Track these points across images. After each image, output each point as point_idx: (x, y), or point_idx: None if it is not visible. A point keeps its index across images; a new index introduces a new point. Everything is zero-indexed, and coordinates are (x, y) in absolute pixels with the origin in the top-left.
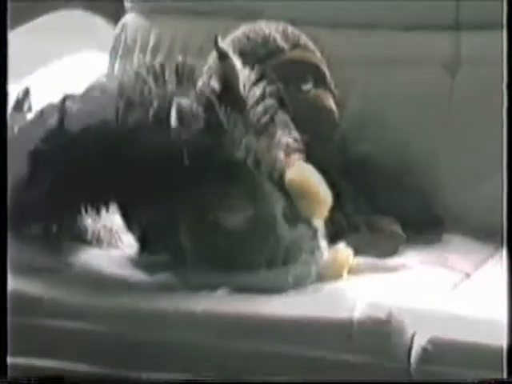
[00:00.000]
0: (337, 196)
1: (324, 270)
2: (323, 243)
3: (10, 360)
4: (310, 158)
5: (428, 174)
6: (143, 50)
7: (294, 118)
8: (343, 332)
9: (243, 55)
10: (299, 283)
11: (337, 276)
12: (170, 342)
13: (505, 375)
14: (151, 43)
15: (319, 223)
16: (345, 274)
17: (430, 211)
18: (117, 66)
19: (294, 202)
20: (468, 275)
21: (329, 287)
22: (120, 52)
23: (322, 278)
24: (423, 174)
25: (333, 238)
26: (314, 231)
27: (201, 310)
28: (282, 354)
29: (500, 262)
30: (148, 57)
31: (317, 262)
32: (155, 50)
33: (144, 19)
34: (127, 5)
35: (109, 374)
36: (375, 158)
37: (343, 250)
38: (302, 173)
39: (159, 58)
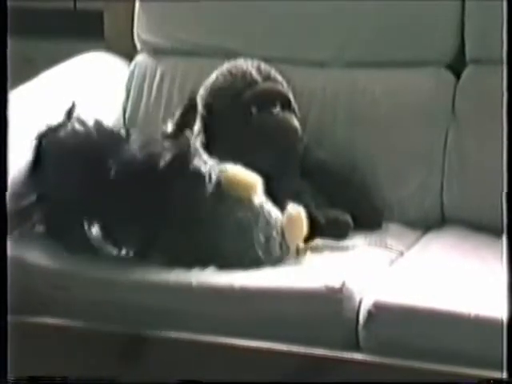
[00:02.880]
0: (300, 194)
1: (286, 228)
2: (274, 211)
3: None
4: (280, 166)
5: (370, 174)
6: (150, 84)
7: (267, 134)
8: (306, 298)
9: (227, 86)
10: (270, 251)
11: (299, 230)
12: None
13: (505, 375)
14: (157, 78)
15: (261, 199)
16: (304, 226)
17: (373, 205)
18: (130, 96)
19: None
20: (402, 253)
21: (297, 263)
22: (133, 85)
23: (285, 235)
24: (366, 174)
25: None
26: (261, 207)
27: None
28: (263, 316)
29: (427, 242)
30: (154, 91)
31: (275, 226)
32: (160, 85)
33: (151, 59)
34: (138, 46)
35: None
36: (329, 162)
37: (293, 208)
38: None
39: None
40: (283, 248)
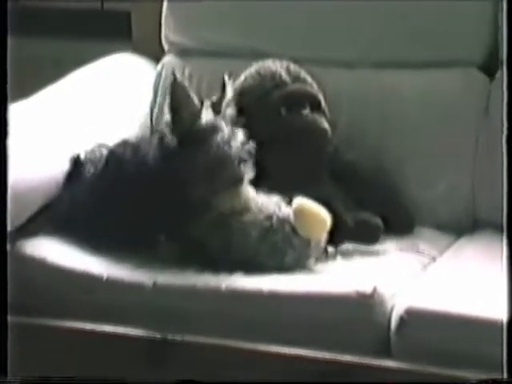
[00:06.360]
0: (329, 197)
1: (296, 222)
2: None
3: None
4: (309, 168)
5: (400, 176)
6: None
7: (296, 135)
8: (337, 303)
9: (255, 87)
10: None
11: (309, 218)
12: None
13: (505, 375)
14: (184, 80)
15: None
16: (316, 215)
17: (404, 209)
18: (157, 97)
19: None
20: (434, 259)
21: (327, 268)
22: (160, 86)
23: (298, 229)
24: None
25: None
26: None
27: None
28: (292, 321)
29: (460, 247)
30: None
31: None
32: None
33: (179, 60)
34: (166, 47)
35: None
36: (359, 164)
37: (298, 200)
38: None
39: None
40: (302, 243)
